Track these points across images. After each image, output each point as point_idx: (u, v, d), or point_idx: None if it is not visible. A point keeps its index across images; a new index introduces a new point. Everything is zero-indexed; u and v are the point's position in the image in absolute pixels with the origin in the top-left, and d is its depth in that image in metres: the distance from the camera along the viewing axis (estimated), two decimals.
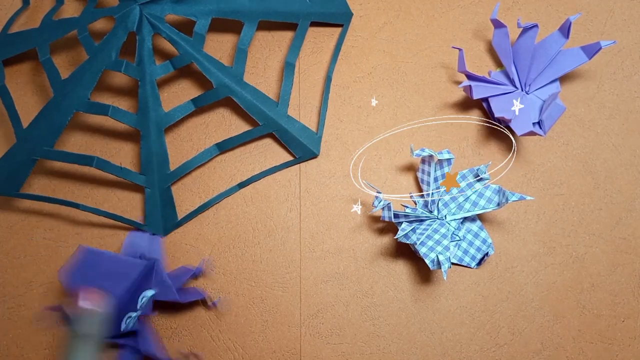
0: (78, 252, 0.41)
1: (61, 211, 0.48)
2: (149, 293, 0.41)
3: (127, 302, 0.41)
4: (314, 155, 0.48)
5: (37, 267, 0.47)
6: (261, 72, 0.51)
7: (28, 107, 0.51)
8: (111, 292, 0.41)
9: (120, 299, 0.41)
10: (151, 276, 0.41)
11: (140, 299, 0.40)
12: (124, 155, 0.49)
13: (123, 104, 0.50)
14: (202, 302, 0.45)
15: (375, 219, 0.47)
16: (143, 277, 0.41)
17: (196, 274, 0.45)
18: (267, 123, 0.47)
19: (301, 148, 0.48)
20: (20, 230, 0.48)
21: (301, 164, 0.49)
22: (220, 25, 0.53)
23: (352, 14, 0.52)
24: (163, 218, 0.47)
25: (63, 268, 0.41)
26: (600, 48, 0.45)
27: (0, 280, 0.47)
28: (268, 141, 0.49)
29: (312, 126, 0.49)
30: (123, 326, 0.40)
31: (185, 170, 0.47)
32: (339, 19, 0.51)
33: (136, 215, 0.48)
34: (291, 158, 0.49)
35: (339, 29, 0.52)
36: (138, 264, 0.42)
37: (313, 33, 0.52)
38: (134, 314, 0.40)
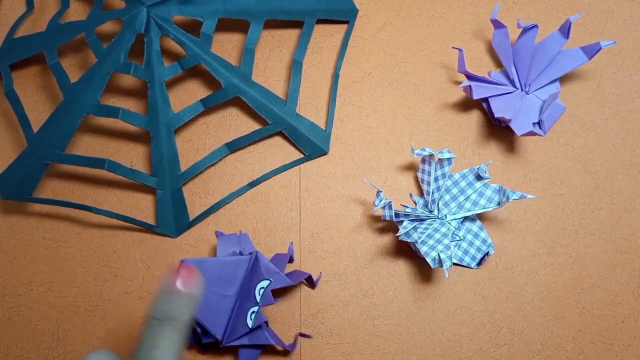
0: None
1: (61, 212, 0.48)
2: (265, 283, 0.41)
3: (243, 300, 0.41)
4: (323, 153, 0.48)
5: (37, 267, 0.47)
6: (261, 72, 0.51)
7: (36, 110, 0.51)
8: (224, 296, 0.41)
9: (236, 298, 0.41)
10: (258, 269, 0.41)
11: (257, 292, 0.40)
12: (134, 157, 0.49)
13: (132, 106, 0.50)
14: (307, 281, 0.46)
15: (376, 219, 0.47)
16: (251, 272, 0.41)
17: (292, 258, 0.45)
18: (276, 121, 0.47)
19: (311, 145, 0.48)
20: (20, 230, 0.48)
21: (301, 165, 0.49)
22: (227, 25, 0.53)
23: (357, 11, 0.52)
24: (175, 219, 0.47)
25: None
26: (600, 48, 0.45)
27: (0, 280, 0.47)
28: (277, 140, 0.49)
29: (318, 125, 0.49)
30: (250, 323, 0.40)
31: (196, 170, 0.47)
32: (345, 16, 0.51)
33: (148, 217, 0.48)
34: (301, 156, 0.49)
35: (338, 29, 0.52)
36: (242, 260, 0.41)
37: (313, 33, 0.52)
38: (256, 308, 0.40)
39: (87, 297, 0.46)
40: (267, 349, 0.45)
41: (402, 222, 0.43)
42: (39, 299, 0.46)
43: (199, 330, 0.42)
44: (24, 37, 0.48)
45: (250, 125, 0.50)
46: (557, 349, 0.45)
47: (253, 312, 0.40)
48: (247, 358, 0.43)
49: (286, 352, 0.44)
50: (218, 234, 0.45)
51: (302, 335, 0.45)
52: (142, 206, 0.48)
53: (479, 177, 0.45)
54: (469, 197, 0.45)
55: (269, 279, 0.41)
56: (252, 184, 0.48)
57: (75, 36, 0.46)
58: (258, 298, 0.40)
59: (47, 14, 0.53)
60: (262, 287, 0.41)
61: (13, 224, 0.48)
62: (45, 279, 0.47)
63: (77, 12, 0.53)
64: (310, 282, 0.45)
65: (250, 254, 0.42)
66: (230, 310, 0.41)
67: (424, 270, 0.46)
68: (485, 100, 0.48)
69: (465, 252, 0.45)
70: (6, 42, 0.49)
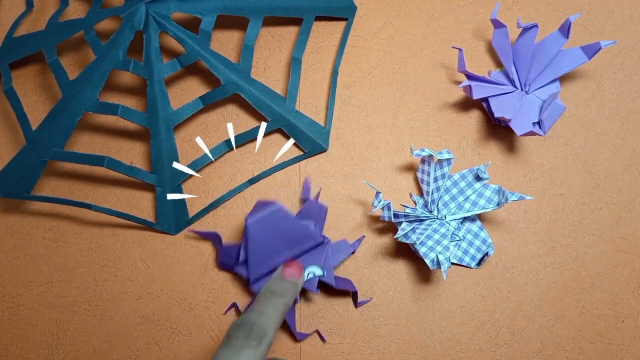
0: (271, 205, 0.40)
1: (61, 211, 0.48)
2: (318, 272, 0.41)
3: None
4: (322, 150, 0.48)
5: (37, 267, 0.47)
6: (261, 72, 0.51)
7: (36, 109, 0.51)
8: (280, 253, 0.41)
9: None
10: (320, 254, 0.41)
11: (306, 274, 0.41)
12: (134, 154, 0.49)
13: (132, 103, 0.50)
14: (352, 297, 0.45)
15: (375, 219, 0.47)
16: (312, 252, 0.41)
17: (354, 251, 0.45)
18: (275, 119, 0.47)
19: (310, 143, 0.48)
20: (20, 230, 0.48)
21: (301, 164, 0.49)
22: (226, 22, 0.53)
23: (356, 8, 0.52)
24: (175, 216, 0.47)
25: (250, 213, 0.40)
26: (600, 48, 0.45)
27: (0, 280, 0.47)
28: (276, 137, 0.49)
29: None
30: None
31: (195, 167, 0.47)
32: (344, 13, 0.51)
33: (148, 217, 0.48)
34: (300, 153, 0.49)
35: (337, 29, 0.52)
36: (315, 237, 0.41)
37: (312, 32, 0.52)
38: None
39: (87, 297, 0.46)
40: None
41: (401, 223, 0.43)
42: (39, 299, 0.46)
43: (241, 257, 0.42)
44: (24, 36, 0.48)
45: (250, 124, 0.50)
46: (557, 349, 0.45)
47: None
48: None
49: (288, 341, 0.44)
50: (305, 186, 0.46)
51: (318, 334, 0.45)
52: (141, 206, 0.48)
53: (478, 178, 0.45)
54: (468, 197, 0.45)
55: (323, 270, 0.41)
56: (252, 181, 0.48)
57: (74, 34, 0.46)
58: (305, 278, 0.41)
59: (46, 12, 0.53)
60: (313, 273, 0.41)
61: (13, 224, 0.48)
62: (45, 279, 0.47)
63: (77, 11, 0.53)
64: (354, 299, 0.45)
65: (324, 238, 0.42)
66: (275, 268, 0.41)
67: (423, 271, 0.46)
68: (485, 100, 0.48)
69: (465, 252, 0.45)
70: (6, 41, 0.49)
